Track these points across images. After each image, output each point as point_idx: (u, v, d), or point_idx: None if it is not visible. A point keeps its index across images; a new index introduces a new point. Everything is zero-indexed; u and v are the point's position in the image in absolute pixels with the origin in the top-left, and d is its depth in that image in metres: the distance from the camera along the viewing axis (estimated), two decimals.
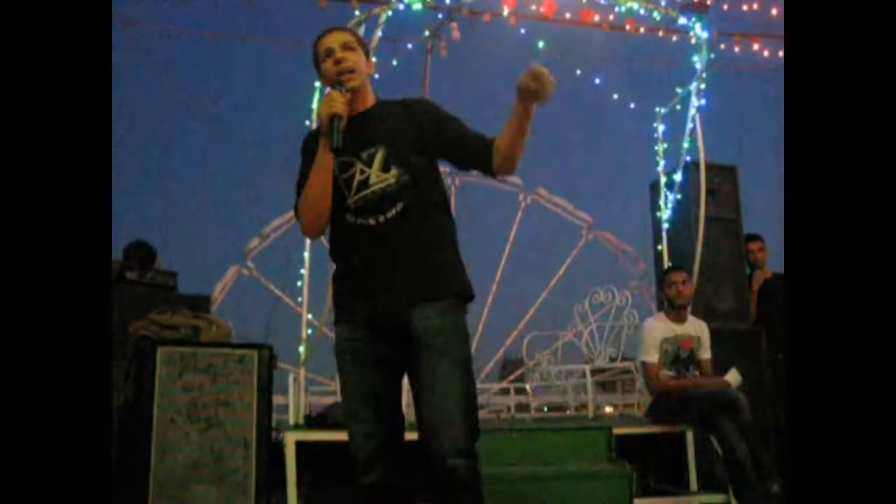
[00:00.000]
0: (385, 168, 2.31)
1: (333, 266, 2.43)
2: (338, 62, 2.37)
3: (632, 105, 6.62)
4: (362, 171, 2.32)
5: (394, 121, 2.37)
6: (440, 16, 6.52)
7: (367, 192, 2.29)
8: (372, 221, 2.28)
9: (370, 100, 2.45)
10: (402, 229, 2.27)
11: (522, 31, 6.33)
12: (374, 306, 2.26)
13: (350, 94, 2.32)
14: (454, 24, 6.58)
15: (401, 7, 4.88)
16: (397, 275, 2.24)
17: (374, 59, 2.55)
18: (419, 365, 2.20)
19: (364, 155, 2.33)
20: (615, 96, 6.93)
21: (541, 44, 6.46)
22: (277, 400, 4.30)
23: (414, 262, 2.25)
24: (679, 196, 5.46)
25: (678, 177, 5.45)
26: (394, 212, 2.28)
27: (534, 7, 6.61)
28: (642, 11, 5.49)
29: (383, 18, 4.69)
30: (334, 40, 2.40)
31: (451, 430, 2.14)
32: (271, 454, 3.74)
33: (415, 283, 2.24)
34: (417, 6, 4.90)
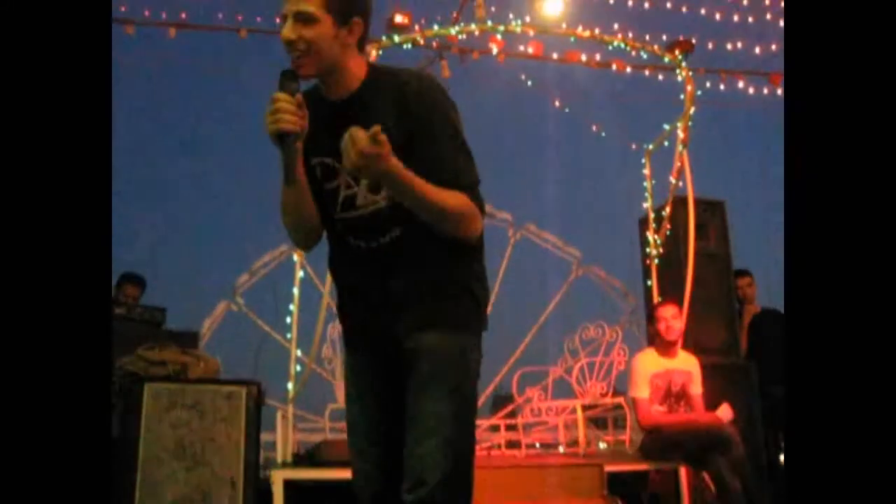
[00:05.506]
0: (374, 187, 1.85)
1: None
2: (287, 43, 1.78)
3: (620, 142, 6.70)
4: (349, 185, 1.90)
5: (386, 113, 1.81)
6: (430, 54, 6.61)
7: (355, 213, 1.90)
8: (364, 245, 1.92)
9: (357, 76, 1.87)
10: (402, 254, 1.89)
11: (512, 69, 6.43)
12: (375, 334, 1.94)
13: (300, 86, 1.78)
14: (444, 62, 6.67)
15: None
16: (399, 300, 1.89)
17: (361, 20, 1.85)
18: (406, 396, 1.84)
19: None
20: (603, 133, 7.02)
21: (529, 83, 6.56)
22: (265, 437, 4.26)
23: (418, 287, 1.88)
24: (668, 231, 5.48)
25: (667, 212, 5.48)
26: (389, 238, 1.89)
27: (522, 47, 6.72)
28: (631, 52, 5.57)
29: (374, 56, 4.74)
30: (290, 4, 1.78)
31: (426, 476, 1.74)
32: (259, 493, 3.69)
33: (417, 309, 1.87)
34: (408, 45, 4.96)
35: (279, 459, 4.28)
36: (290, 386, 4.49)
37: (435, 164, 1.81)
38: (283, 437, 4.32)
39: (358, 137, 1.63)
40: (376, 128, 1.63)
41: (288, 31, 1.77)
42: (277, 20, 1.83)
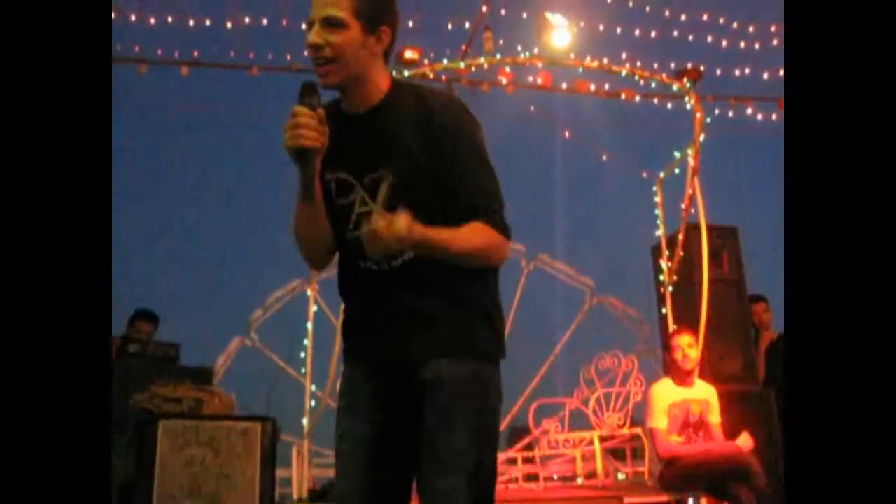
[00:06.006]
0: (391, 207, 1.72)
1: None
2: (313, 48, 1.72)
3: (631, 170, 6.72)
4: (364, 202, 1.81)
5: (408, 130, 1.77)
6: (440, 87, 6.66)
7: None
8: (375, 266, 1.82)
9: (380, 88, 1.81)
10: (414, 278, 1.79)
11: (521, 100, 6.49)
12: (383, 356, 1.84)
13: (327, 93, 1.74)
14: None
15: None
16: (412, 326, 1.80)
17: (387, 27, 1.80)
18: (419, 427, 1.74)
19: (366, 179, 1.79)
20: (614, 162, 7.04)
21: (539, 114, 6.61)
22: (281, 473, 4.23)
23: (431, 313, 1.79)
24: (681, 259, 5.46)
25: (680, 239, 5.47)
26: (401, 260, 1.79)
27: (531, 78, 6.78)
28: (640, 81, 5.60)
29: None
30: (317, 9, 1.73)
31: None
32: None
33: (432, 335, 1.78)
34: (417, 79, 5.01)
35: (295, 496, 4.25)
36: (305, 421, 4.47)
37: (459, 182, 1.75)
38: (298, 473, 4.30)
39: (393, 223, 1.60)
40: (407, 217, 1.61)
41: (315, 35, 1.71)
42: (304, 25, 1.77)
